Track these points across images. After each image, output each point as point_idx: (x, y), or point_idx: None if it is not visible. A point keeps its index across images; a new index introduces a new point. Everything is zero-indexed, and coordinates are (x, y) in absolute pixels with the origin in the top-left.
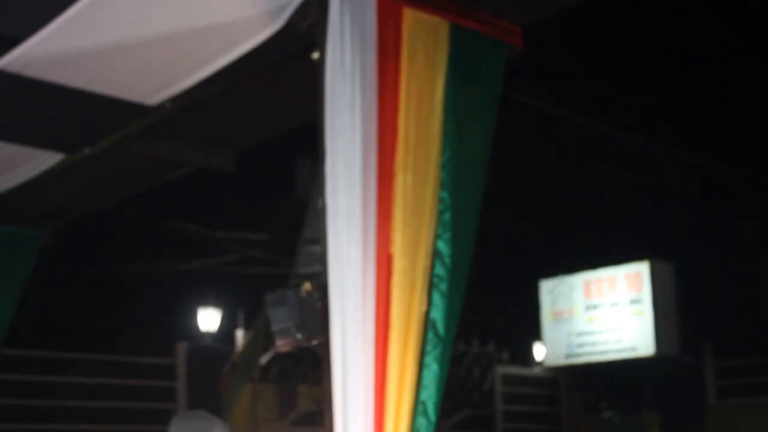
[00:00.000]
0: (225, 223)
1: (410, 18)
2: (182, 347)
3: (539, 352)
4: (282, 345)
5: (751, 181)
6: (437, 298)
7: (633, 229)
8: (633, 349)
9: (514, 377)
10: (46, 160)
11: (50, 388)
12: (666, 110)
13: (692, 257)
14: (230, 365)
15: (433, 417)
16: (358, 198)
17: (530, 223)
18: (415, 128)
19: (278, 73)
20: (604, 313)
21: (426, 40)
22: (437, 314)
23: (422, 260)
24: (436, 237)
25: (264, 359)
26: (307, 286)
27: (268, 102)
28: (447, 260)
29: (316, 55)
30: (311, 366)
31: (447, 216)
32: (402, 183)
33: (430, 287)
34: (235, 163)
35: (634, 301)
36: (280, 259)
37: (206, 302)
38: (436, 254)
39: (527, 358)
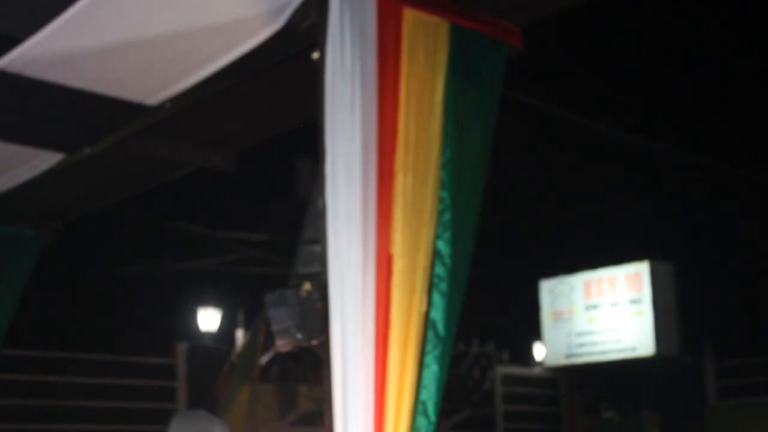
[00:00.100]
0: (225, 223)
1: (410, 18)
2: (182, 347)
3: (539, 352)
4: (282, 345)
5: (751, 181)
6: (437, 298)
7: (633, 229)
8: (633, 349)
9: (514, 377)
10: (46, 160)
11: (50, 388)
12: (666, 110)
13: (692, 257)
14: (229, 366)
15: (433, 417)
16: (358, 198)
17: (530, 223)
18: (415, 128)
19: (278, 73)
20: (604, 313)
21: (426, 40)
22: (437, 314)
23: (422, 260)
24: (436, 237)
25: (264, 359)
26: (307, 286)
27: (268, 102)
28: (447, 260)
29: (316, 55)
30: (311, 366)
31: (447, 216)
32: (402, 183)
33: (430, 287)
34: (235, 163)
35: (634, 301)
36: (280, 259)
37: (206, 302)
38: (436, 254)
39: (527, 358)
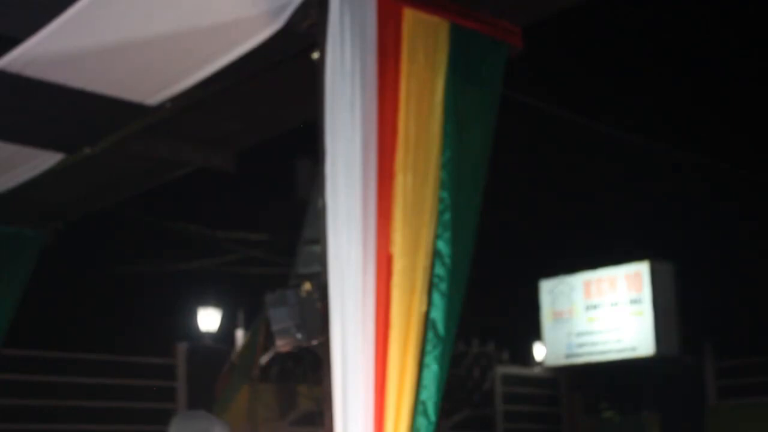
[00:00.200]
0: (225, 223)
1: (410, 18)
2: (182, 347)
3: (539, 352)
4: (282, 345)
5: (751, 181)
6: (437, 298)
7: (633, 229)
8: (633, 349)
9: (514, 377)
10: (46, 160)
11: (50, 388)
12: (666, 110)
13: (692, 257)
14: (229, 366)
15: (433, 417)
16: (358, 198)
17: (530, 223)
18: (415, 128)
19: (278, 73)
20: (604, 313)
21: (426, 40)
22: (437, 314)
23: (422, 260)
24: (436, 237)
25: (264, 359)
26: (307, 286)
27: (268, 102)
28: (447, 260)
29: (316, 55)
30: (311, 366)
31: (447, 216)
32: (402, 183)
33: (430, 287)
34: (235, 163)
35: (634, 301)
36: (280, 259)
37: (206, 302)
38: (436, 254)
39: (527, 358)
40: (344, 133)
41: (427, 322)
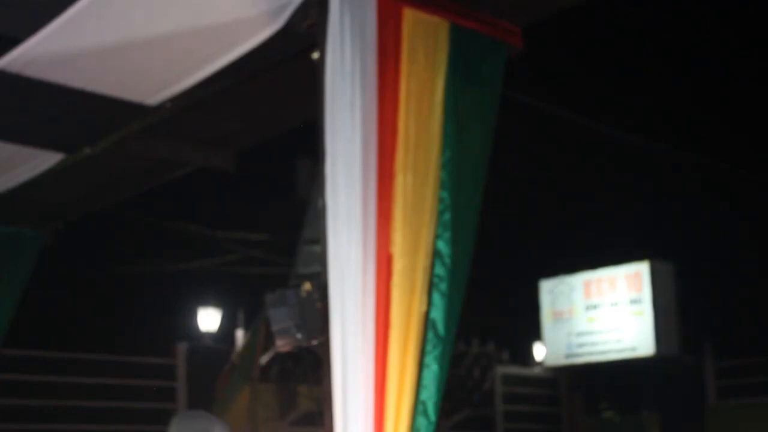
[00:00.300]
0: (225, 223)
1: (410, 18)
2: (182, 347)
3: (539, 352)
4: (282, 345)
5: (751, 181)
6: (437, 298)
7: (633, 229)
8: (633, 349)
9: (514, 377)
10: (46, 160)
11: (50, 388)
12: (666, 110)
13: (692, 257)
14: (229, 366)
15: (433, 417)
16: (358, 198)
17: (530, 223)
18: (415, 128)
19: (278, 73)
20: (604, 313)
21: (426, 40)
22: (437, 314)
23: (422, 260)
24: (436, 237)
25: (264, 359)
26: (307, 286)
27: (268, 102)
28: (447, 260)
29: (316, 55)
30: (311, 366)
31: (447, 216)
32: (402, 183)
33: (430, 287)
34: (235, 163)
35: (634, 301)
36: (280, 259)
37: (206, 302)
38: (436, 254)
39: (527, 358)
40: (344, 133)
41: (427, 322)
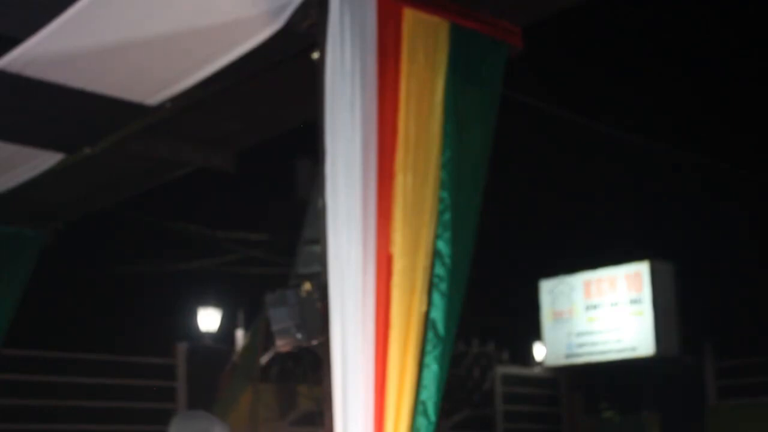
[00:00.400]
0: (225, 223)
1: (410, 18)
2: (182, 347)
3: (539, 352)
4: (282, 345)
5: (751, 181)
6: (437, 298)
7: (633, 229)
8: (633, 349)
9: (514, 377)
10: (46, 160)
11: (50, 388)
12: (666, 110)
13: (692, 257)
14: (230, 366)
15: (433, 417)
16: (358, 198)
17: (530, 223)
18: (415, 128)
19: (278, 73)
20: (604, 313)
21: (426, 40)
22: (437, 314)
23: (422, 260)
24: (436, 237)
25: (264, 359)
26: (307, 286)
27: (268, 102)
28: (447, 260)
29: (316, 55)
30: (311, 366)
31: (447, 216)
32: (402, 183)
33: (430, 287)
34: (235, 163)
35: (634, 301)
36: (280, 259)
37: (206, 302)
38: (436, 254)
39: (527, 358)
40: (344, 133)
41: (427, 322)
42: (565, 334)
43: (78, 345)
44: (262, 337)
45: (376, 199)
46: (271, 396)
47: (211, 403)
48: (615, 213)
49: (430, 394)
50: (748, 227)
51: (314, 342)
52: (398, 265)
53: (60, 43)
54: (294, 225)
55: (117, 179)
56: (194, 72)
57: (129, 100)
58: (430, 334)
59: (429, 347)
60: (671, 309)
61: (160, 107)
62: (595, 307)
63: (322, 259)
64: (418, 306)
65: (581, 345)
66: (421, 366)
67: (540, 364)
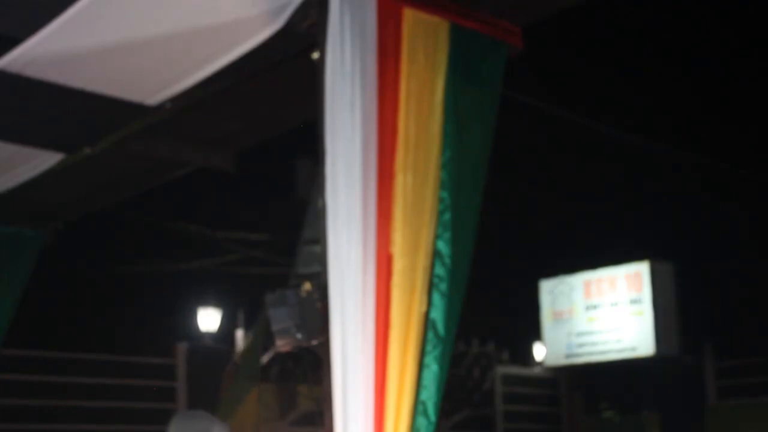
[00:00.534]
0: (225, 223)
1: (410, 18)
2: (182, 347)
3: (539, 352)
4: (282, 345)
5: (751, 181)
6: (437, 298)
7: (633, 229)
8: (633, 349)
9: (514, 377)
10: (46, 160)
11: (50, 388)
12: (666, 110)
13: (692, 257)
14: (232, 366)
15: (433, 417)
16: (358, 198)
17: (530, 223)
18: (415, 128)
19: (278, 73)
20: (604, 313)
21: (426, 40)
22: (437, 314)
23: (422, 260)
24: (436, 237)
25: (264, 359)
26: (307, 286)
27: (268, 102)
28: (447, 260)
29: (316, 55)
30: (311, 366)
31: (447, 216)
32: (402, 183)
33: (430, 287)
34: (235, 163)
35: (634, 301)
36: (280, 259)
37: (206, 302)
38: (436, 254)
39: (527, 358)
40: (344, 133)
41: (427, 322)
42: (565, 334)
43: (78, 345)
44: (262, 338)
45: (376, 199)
46: (271, 396)
47: (211, 403)
48: (615, 213)
49: (430, 394)
50: (748, 227)
51: (314, 342)
52: (398, 265)
53: (60, 43)
54: (294, 225)
55: (117, 179)
56: (194, 72)
57: (129, 100)
58: (430, 334)
59: (429, 347)
60: (671, 309)
61: (160, 107)
62: (595, 307)
63: (322, 259)
64: (418, 306)
65: (581, 345)
66: (421, 366)
67: (540, 364)
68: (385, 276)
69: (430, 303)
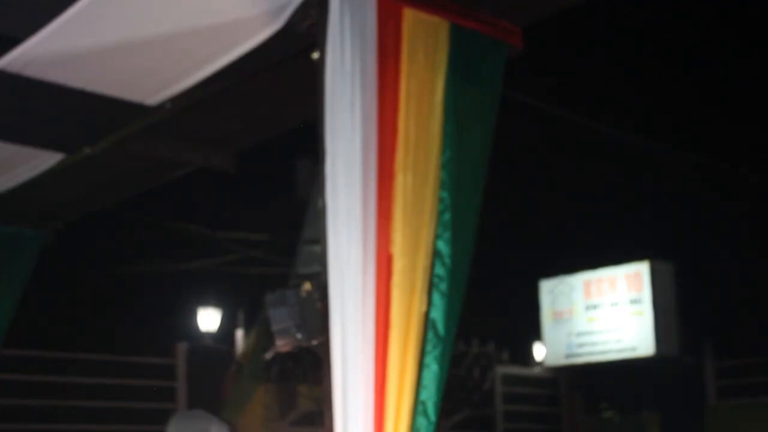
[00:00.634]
0: (225, 223)
1: (410, 18)
2: (182, 347)
3: (539, 352)
4: (282, 345)
5: (751, 181)
6: (437, 298)
7: (633, 229)
8: (633, 349)
9: (514, 377)
10: (46, 160)
11: (50, 388)
12: (666, 110)
13: (692, 257)
14: (235, 367)
15: (433, 417)
16: (358, 198)
17: (530, 223)
18: (415, 128)
19: (278, 73)
20: (604, 313)
21: (426, 40)
22: (437, 314)
23: (422, 260)
24: (436, 237)
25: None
26: (307, 286)
27: (268, 102)
28: (447, 260)
29: (316, 55)
30: (311, 366)
31: (447, 216)
32: (402, 183)
33: (430, 287)
34: (235, 163)
35: (634, 301)
36: (280, 259)
37: (206, 302)
38: (436, 254)
39: (527, 358)
40: (344, 133)
41: (427, 322)
42: (565, 334)
43: (78, 345)
44: (264, 338)
45: (376, 199)
46: (271, 396)
47: (211, 403)
48: (615, 213)
49: (430, 394)
50: (748, 227)
51: (314, 342)
52: (398, 265)
53: (60, 43)
54: (294, 225)
55: (117, 179)
56: (194, 72)
57: (129, 100)
58: (430, 334)
59: (429, 347)
60: (671, 309)
61: (160, 107)
62: (595, 307)
63: (322, 259)
64: (418, 306)
65: (581, 345)
66: (421, 366)
67: (540, 364)
68: (385, 276)
69: (430, 303)
